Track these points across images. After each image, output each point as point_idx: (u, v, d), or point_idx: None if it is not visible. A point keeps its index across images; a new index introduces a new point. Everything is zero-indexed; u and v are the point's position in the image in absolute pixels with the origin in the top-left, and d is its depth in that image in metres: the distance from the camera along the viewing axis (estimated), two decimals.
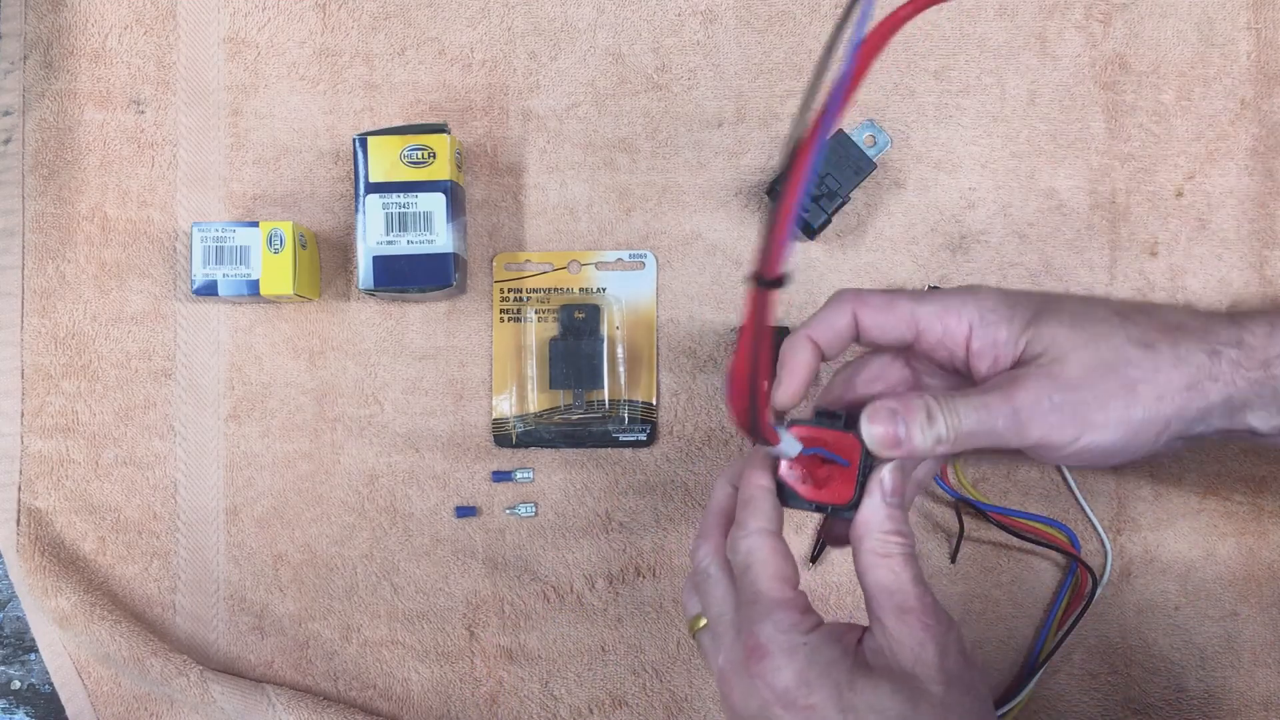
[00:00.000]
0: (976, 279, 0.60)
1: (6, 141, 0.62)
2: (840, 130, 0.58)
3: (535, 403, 0.60)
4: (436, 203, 0.57)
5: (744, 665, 0.41)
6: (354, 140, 0.57)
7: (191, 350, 0.61)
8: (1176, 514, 0.59)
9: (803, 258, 0.60)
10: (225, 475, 0.61)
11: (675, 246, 0.61)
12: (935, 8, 0.52)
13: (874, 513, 0.42)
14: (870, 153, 0.58)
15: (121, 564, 0.61)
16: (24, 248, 0.62)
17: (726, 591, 0.43)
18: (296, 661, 0.60)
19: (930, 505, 0.59)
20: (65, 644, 0.61)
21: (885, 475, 0.42)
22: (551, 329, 0.60)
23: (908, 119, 0.60)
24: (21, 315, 0.61)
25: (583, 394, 0.60)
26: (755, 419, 0.38)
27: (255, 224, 0.57)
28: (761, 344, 0.36)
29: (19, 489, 0.61)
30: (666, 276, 0.61)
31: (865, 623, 0.42)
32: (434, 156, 0.57)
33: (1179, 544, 0.58)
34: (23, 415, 0.61)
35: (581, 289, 0.60)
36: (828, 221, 0.58)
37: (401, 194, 0.57)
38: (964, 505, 0.58)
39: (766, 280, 0.34)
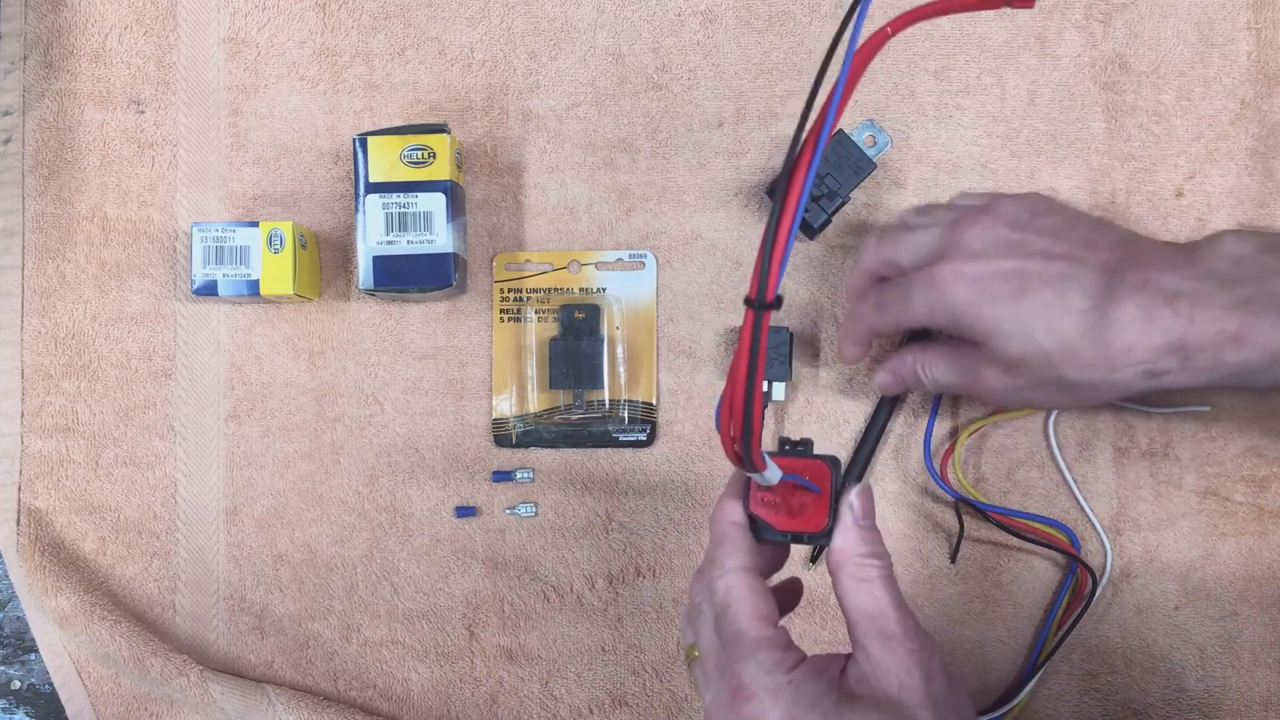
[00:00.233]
0: None
1: (6, 141, 0.62)
2: (840, 130, 0.58)
3: (535, 403, 0.60)
4: (436, 203, 0.57)
5: (730, 705, 0.41)
6: (354, 140, 0.57)
7: (191, 350, 0.61)
8: (1176, 514, 0.59)
9: (803, 258, 0.60)
10: (225, 475, 0.61)
11: (675, 246, 0.61)
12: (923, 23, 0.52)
13: (848, 538, 0.42)
14: (870, 153, 0.58)
15: (121, 564, 0.61)
16: (24, 248, 0.62)
17: (714, 631, 0.43)
18: (296, 661, 0.60)
19: (930, 505, 0.59)
20: (65, 644, 0.61)
21: (854, 499, 0.43)
22: (551, 329, 0.60)
23: (908, 119, 0.60)
24: (21, 315, 0.61)
25: (583, 394, 0.60)
26: (748, 445, 0.37)
27: (255, 224, 0.57)
28: (758, 368, 0.35)
29: (19, 489, 0.61)
30: (666, 276, 0.61)
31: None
32: (434, 156, 0.57)
33: (1179, 544, 0.58)
34: (23, 415, 0.61)
35: (581, 289, 0.60)
36: (828, 221, 0.58)
37: (401, 194, 0.57)
38: (964, 505, 0.58)
39: (764, 304, 0.34)
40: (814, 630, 0.59)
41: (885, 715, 0.39)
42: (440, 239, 0.57)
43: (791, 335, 0.59)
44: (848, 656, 0.42)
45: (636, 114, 0.61)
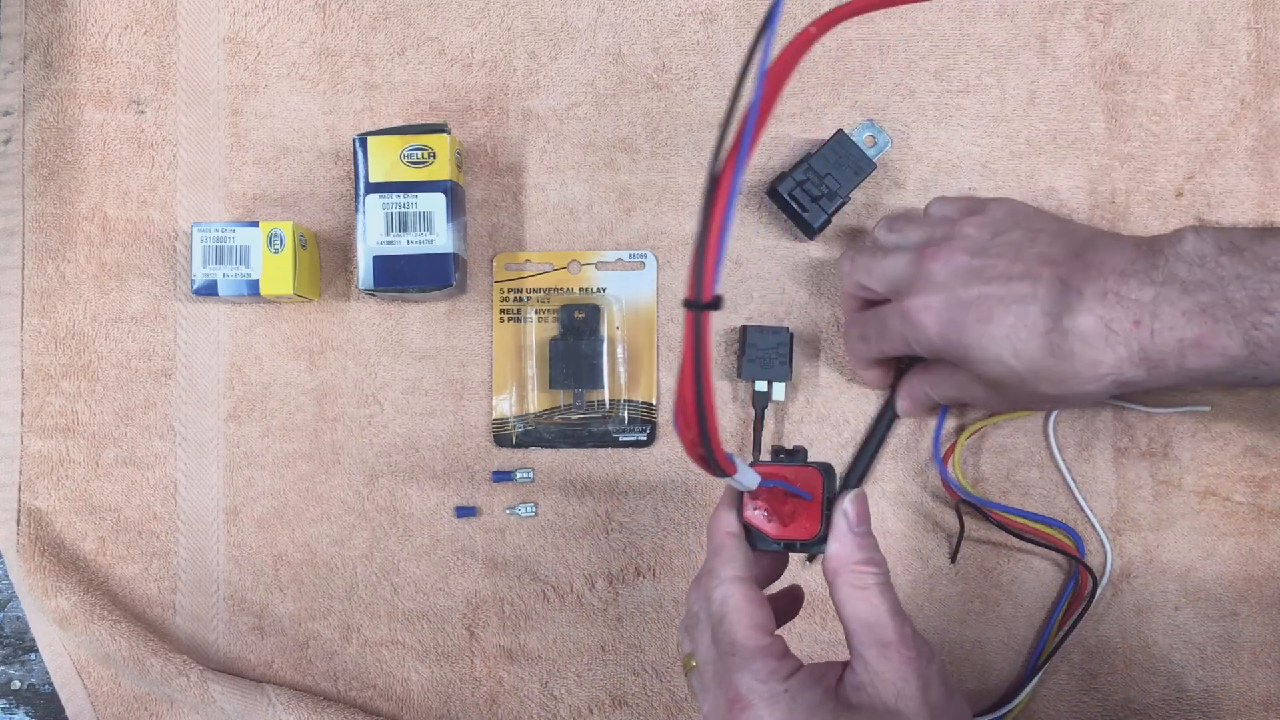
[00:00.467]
0: None
1: (6, 141, 0.62)
2: (840, 130, 0.58)
3: (535, 403, 0.60)
4: (436, 203, 0.57)
5: (727, 715, 0.41)
6: (354, 140, 0.57)
7: (191, 350, 0.61)
8: (1176, 514, 0.59)
9: (803, 258, 0.60)
10: (225, 475, 0.61)
11: (675, 246, 0.61)
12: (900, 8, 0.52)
13: (843, 545, 0.42)
14: (870, 153, 0.58)
15: (121, 564, 0.61)
16: (24, 248, 0.62)
17: (711, 640, 0.43)
18: (296, 661, 0.60)
19: (931, 505, 0.59)
20: (65, 644, 0.61)
21: (848, 505, 0.43)
22: (551, 329, 0.60)
23: (908, 119, 0.60)
24: (21, 315, 0.61)
25: (583, 394, 0.60)
26: (708, 446, 0.36)
27: (255, 224, 0.57)
28: (704, 368, 0.34)
29: (19, 489, 0.61)
30: (666, 276, 0.61)
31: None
32: (434, 156, 0.57)
33: (1179, 544, 0.58)
34: (23, 415, 0.61)
35: (581, 289, 0.60)
36: (828, 221, 0.58)
37: (401, 194, 0.57)
38: (967, 506, 0.58)
39: (701, 304, 0.34)
40: (814, 631, 0.59)
41: None
42: (440, 239, 0.57)
43: (791, 335, 0.59)
44: (845, 664, 0.42)
45: (636, 114, 0.61)
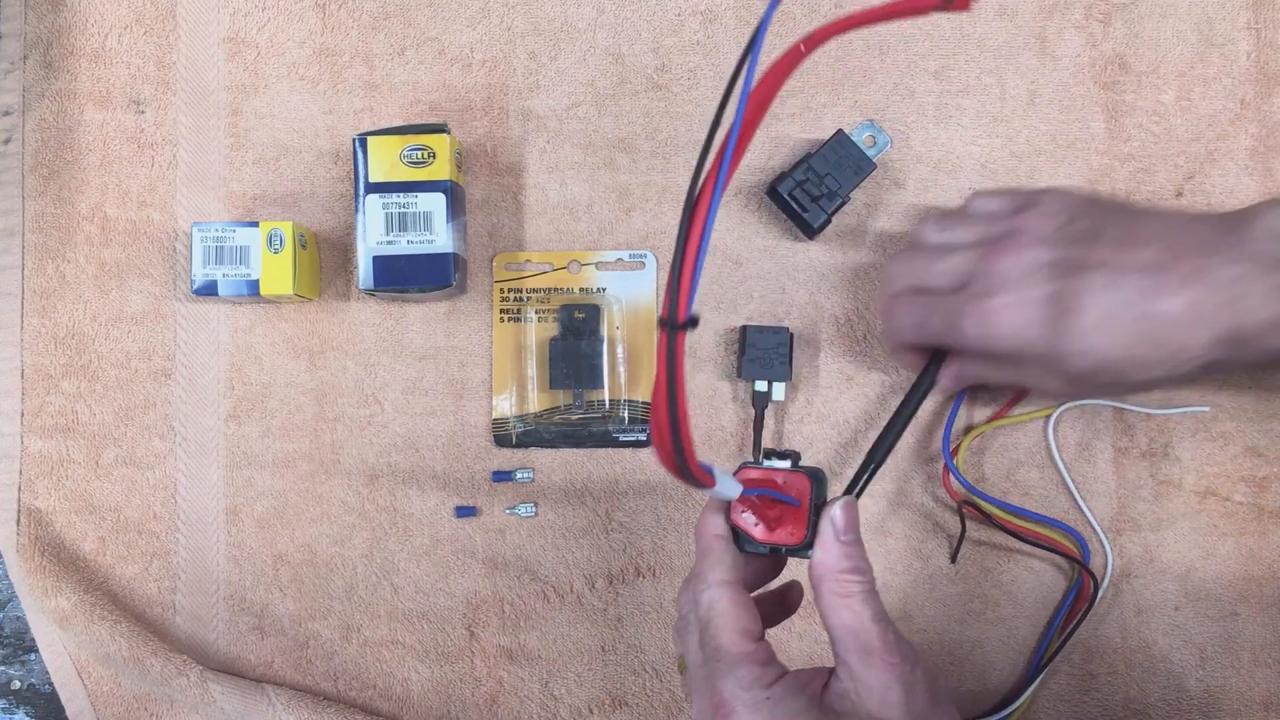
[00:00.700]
0: None
1: (6, 141, 0.62)
2: (840, 130, 0.58)
3: (535, 403, 0.60)
4: (436, 203, 0.57)
5: None
6: (354, 140, 0.57)
7: (191, 350, 0.61)
8: (1176, 514, 0.59)
9: (803, 258, 0.60)
10: (225, 475, 0.61)
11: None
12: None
13: (829, 553, 0.42)
14: (870, 153, 0.58)
15: (121, 564, 0.61)
16: (24, 248, 0.62)
17: (698, 644, 0.43)
18: (296, 661, 0.60)
19: (931, 505, 0.59)
20: (65, 644, 0.61)
21: (836, 512, 0.43)
22: (551, 329, 0.60)
23: (908, 119, 0.60)
24: (21, 315, 0.61)
25: (583, 394, 0.60)
26: (683, 462, 0.36)
27: (255, 224, 0.57)
28: (678, 387, 0.34)
29: (19, 489, 0.61)
30: (666, 276, 0.61)
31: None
32: (434, 156, 0.57)
33: (1179, 544, 0.58)
34: (23, 415, 0.61)
35: (581, 289, 0.60)
36: (828, 221, 0.58)
37: (401, 194, 0.57)
38: (969, 507, 0.58)
39: (677, 324, 0.34)
40: (814, 630, 0.59)
41: None
42: (440, 239, 0.57)
43: (791, 335, 0.59)
44: (830, 671, 0.42)
45: (636, 114, 0.61)
